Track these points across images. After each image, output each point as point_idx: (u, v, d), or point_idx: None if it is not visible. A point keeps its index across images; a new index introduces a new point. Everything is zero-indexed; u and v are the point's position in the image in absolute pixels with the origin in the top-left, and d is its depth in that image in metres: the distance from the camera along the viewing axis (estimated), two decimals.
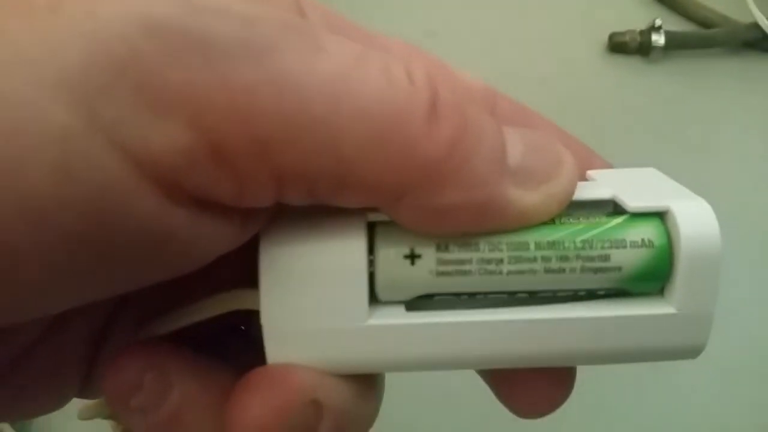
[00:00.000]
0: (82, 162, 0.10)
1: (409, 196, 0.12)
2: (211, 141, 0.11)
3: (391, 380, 0.16)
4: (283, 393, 0.13)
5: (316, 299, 0.13)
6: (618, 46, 0.45)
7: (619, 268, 0.13)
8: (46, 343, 0.16)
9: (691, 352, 0.14)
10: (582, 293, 0.14)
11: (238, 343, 0.16)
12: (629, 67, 0.46)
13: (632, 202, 0.14)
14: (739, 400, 0.38)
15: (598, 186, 0.14)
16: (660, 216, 0.14)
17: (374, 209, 0.13)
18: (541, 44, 0.46)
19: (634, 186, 0.14)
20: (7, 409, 0.15)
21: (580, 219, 0.14)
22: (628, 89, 0.45)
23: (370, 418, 0.15)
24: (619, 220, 0.14)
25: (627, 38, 0.45)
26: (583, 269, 0.13)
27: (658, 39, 0.44)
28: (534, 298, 0.14)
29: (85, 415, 0.18)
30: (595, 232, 0.13)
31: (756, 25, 0.44)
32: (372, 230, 0.13)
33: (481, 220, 0.13)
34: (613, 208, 0.14)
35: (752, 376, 0.38)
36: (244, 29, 0.11)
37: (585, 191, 0.14)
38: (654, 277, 0.13)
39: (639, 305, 0.14)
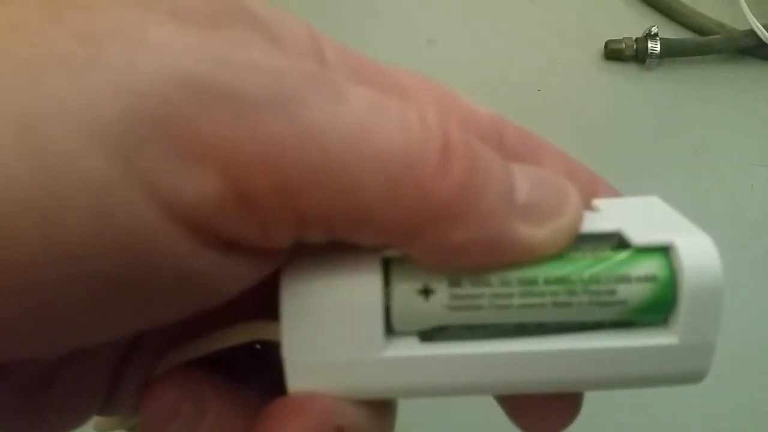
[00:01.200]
0: (119, 209, 0.10)
1: (423, 235, 0.12)
2: (240, 189, 0.11)
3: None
4: (309, 421, 0.14)
5: (334, 332, 0.14)
6: (614, 53, 0.46)
7: (625, 302, 0.14)
8: (69, 367, 0.16)
9: (694, 379, 0.15)
10: (589, 324, 0.14)
11: (255, 363, 0.17)
12: (625, 74, 0.46)
13: (637, 237, 0.14)
14: (734, 403, 0.38)
15: (603, 218, 0.15)
16: (664, 250, 0.14)
17: (389, 246, 0.13)
18: (537, 52, 0.46)
19: (639, 218, 0.15)
20: (33, 428, 0.16)
21: (587, 253, 0.14)
22: (624, 96, 0.46)
23: None
24: (624, 255, 0.14)
25: (623, 46, 0.45)
26: (590, 303, 0.14)
27: (654, 46, 0.44)
28: (542, 329, 0.14)
29: (102, 428, 0.19)
30: (601, 267, 0.14)
31: (752, 32, 0.44)
32: (387, 266, 0.14)
33: (491, 256, 0.13)
34: (618, 240, 0.15)
35: (748, 378, 0.39)
36: (271, 83, 0.11)
37: (591, 224, 0.14)
38: (658, 309, 0.14)
39: (643, 336, 0.14)
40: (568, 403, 0.16)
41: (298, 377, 0.14)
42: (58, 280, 0.10)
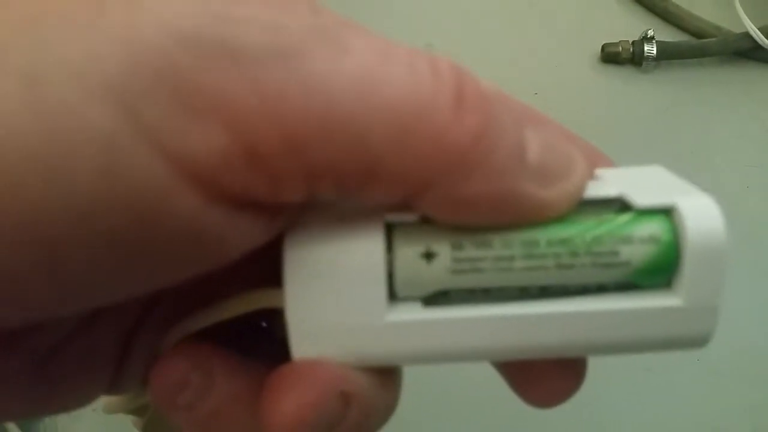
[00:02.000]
0: (126, 163, 0.10)
1: (435, 187, 0.12)
2: (245, 142, 0.11)
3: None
4: (314, 387, 0.14)
5: (337, 297, 0.14)
6: (611, 56, 0.46)
7: (628, 263, 0.14)
8: (80, 338, 0.16)
9: (699, 342, 0.14)
10: (592, 287, 0.14)
11: (260, 340, 0.17)
12: (622, 77, 0.46)
13: (639, 199, 0.14)
14: (733, 402, 0.38)
15: (606, 184, 0.15)
16: (667, 212, 0.14)
17: (398, 209, 0.13)
18: (534, 55, 0.47)
19: (641, 184, 0.15)
20: (41, 403, 0.16)
21: (590, 216, 0.14)
22: (621, 99, 0.46)
23: (392, 406, 0.16)
24: (627, 217, 0.14)
25: (620, 49, 0.45)
26: (592, 264, 0.14)
27: (651, 49, 0.45)
28: (546, 292, 0.14)
29: (110, 409, 0.19)
30: (604, 228, 0.14)
31: (747, 35, 0.44)
32: (390, 231, 0.14)
33: (499, 213, 0.13)
34: (621, 205, 0.14)
35: (745, 378, 0.39)
36: (272, 36, 0.11)
37: (594, 190, 0.14)
38: (661, 271, 0.14)
39: (647, 298, 0.14)
40: (570, 370, 0.16)
41: (303, 343, 0.14)
42: (66, 235, 0.10)
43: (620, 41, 0.46)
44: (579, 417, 0.37)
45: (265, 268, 0.15)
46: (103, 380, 0.17)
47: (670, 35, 0.46)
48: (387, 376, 0.15)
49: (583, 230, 0.14)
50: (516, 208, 0.13)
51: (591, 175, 0.15)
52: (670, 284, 0.14)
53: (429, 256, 0.14)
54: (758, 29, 0.44)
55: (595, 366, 0.38)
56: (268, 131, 0.11)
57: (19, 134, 0.10)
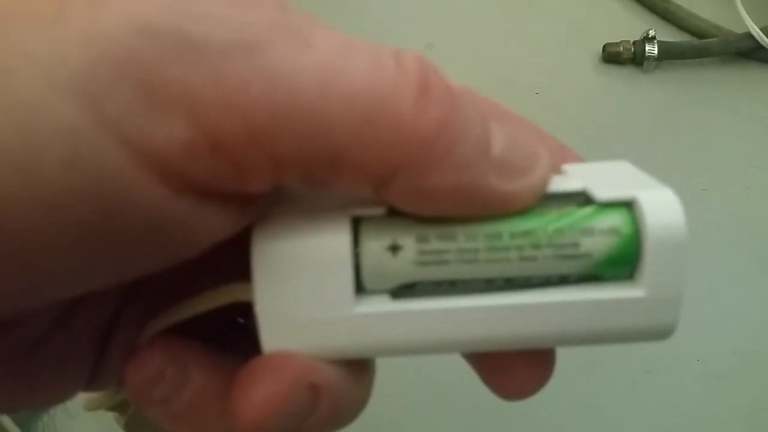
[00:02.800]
0: (91, 156, 0.11)
1: (399, 177, 0.13)
2: (209, 133, 0.11)
3: (386, 380, 0.16)
4: (282, 379, 0.14)
5: (305, 290, 0.14)
6: (612, 56, 0.46)
7: (589, 255, 0.14)
8: (59, 333, 0.16)
9: (662, 333, 0.15)
10: (555, 279, 0.15)
11: (238, 337, 0.17)
12: (623, 77, 0.46)
13: (601, 192, 0.14)
14: (733, 404, 0.38)
15: (570, 179, 0.15)
16: (627, 205, 0.14)
17: (366, 201, 0.14)
18: (535, 55, 0.47)
19: (605, 178, 0.15)
20: (20, 399, 0.16)
21: (552, 210, 0.14)
22: (622, 99, 0.46)
23: (363, 400, 0.16)
24: (588, 210, 0.14)
25: (621, 49, 0.45)
26: (555, 256, 0.14)
27: (652, 49, 0.45)
28: (510, 285, 0.15)
29: (91, 406, 0.19)
30: (565, 221, 0.14)
31: (748, 35, 0.44)
32: (357, 225, 0.14)
33: (464, 205, 0.14)
34: (584, 199, 0.15)
35: (744, 381, 0.39)
36: (234, 30, 0.11)
37: (558, 184, 0.15)
38: (622, 262, 0.14)
39: (609, 289, 0.14)
40: (538, 362, 0.16)
41: (272, 336, 0.14)
42: (33, 226, 0.11)
43: (621, 41, 0.46)
44: (575, 419, 0.37)
45: (242, 262, 0.15)
46: (83, 375, 0.17)
47: (671, 35, 0.46)
48: (358, 369, 0.15)
49: (545, 223, 0.14)
50: (480, 201, 0.13)
51: (556, 170, 0.15)
52: (633, 276, 0.14)
53: (395, 248, 0.14)
54: (760, 29, 0.44)
55: (594, 367, 0.38)
56: (231, 122, 0.11)
57: None
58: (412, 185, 0.13)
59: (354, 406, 0.16)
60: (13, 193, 0.10)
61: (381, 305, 0.14)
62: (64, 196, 0.11)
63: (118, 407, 0.19)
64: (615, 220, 0.14)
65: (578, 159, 0.17)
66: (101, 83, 0.10)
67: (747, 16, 0.44)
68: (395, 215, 0.14)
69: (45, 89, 0.10)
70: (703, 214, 0.41)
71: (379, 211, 0.14)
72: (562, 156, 0.17)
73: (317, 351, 0.14)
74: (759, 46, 0.44)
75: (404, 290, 0.15)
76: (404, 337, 0.14)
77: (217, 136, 0.11)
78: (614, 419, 0.38)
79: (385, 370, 0.17)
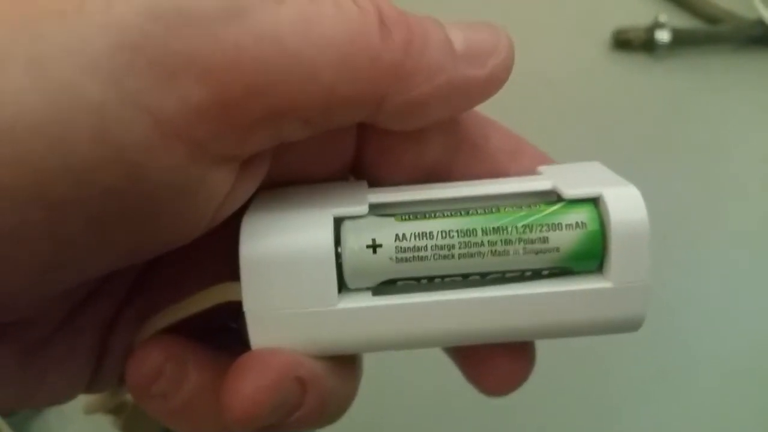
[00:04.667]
0: (116, 126, 0.12)
1: (387, 100, 0.14)
2: (217, 95, 0.13)
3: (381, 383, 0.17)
4: (270, 372, 0.15)
5: (291, 288, 0.15)
6: (623, 42, 0.45)
7: (558, 249, 0.15)
8: (62, 335, 0.17)
9: (632, 324, 0.16)
10: (528, 273, 0.16)
11: (231, 340, 0.18)
12: (634, 63, 0.46)
13: (568, 190, 0.16)
14: (744, 403, 0.38)
15: (542, 179, 0.16)
16: (593, 201, 0.15)
17: (346, 202, 0.15)
18: (545, 41, 0.46)
19: (575, 177, 0.16)
20: (24, 399, 0.17)
21: (522, 207, 0.16)
22: (633, 86, 0.45)
23: (350, 395, 0.17)
24: (556, 206, 0.16)
25: (631, 35, 0.45)
26: (525, 251, 0.15)
27: (663, 35, 0.44)
28: (485, 280, 0.16)
29: (90, 409, 0.19)
30: (534, 217, 0.15)
31: (761, 22, 0.44)
32: (339, 224, 0.15)
33: (449, 103, 0.15)
34: (556, 197, 0.16)
35: (756, 379, 0.38)
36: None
37: (530, 184, 0.16)
38: (590, 255, 0.15)
39: (579, 281, 0.15)
40: (518, 356, 0.17)
41: (260, 333, 0.15)
42: (65, 195, 0.12)
43: (632, 27, 0.45)
44: (587, 418, 0.37)
45: (234, 263, 0.15)
46: (84, 376, 0.18)
47: (682, 21, 0.46)
48: (344, 365, 0.16)
49: (515, 219, 0.15)
50: (462, 94, 0.15)
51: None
52: (601, 269, 0.15)
53: (374, 246, 0.15)
54: None
55: (608, 368, 0.37)
56: (233, 81, 0.13)
57: (28, 111, 0.12)
58: (399, 103, 0.14)
59: (341, 401, 0.17)
60: (47, 165, 0.12)
61: (363, 301, 0.15)
62: (92, 164, 0.12)
63: (116, 410, 0.20)
64: (581, 215, 0.15)
65: (540, 153, 0.19)
66: (120, 63, 0.12)
67: (760, 2, 0.43)
68: (375, 215, 0.16)
69: (75, 73, 0.12)
70: (714, 204, 0.41)
71: (360, 210, 0.15)
72: (540, 161, 0.18)
73: (303, 347, 0.15)
74: None
75: (385, 287, 0.16)
76: (385, 331, 0.15)
77: (225, 97, 0.13)
78: (625, 418, 0.38)
79: (377, 372, 0.18)
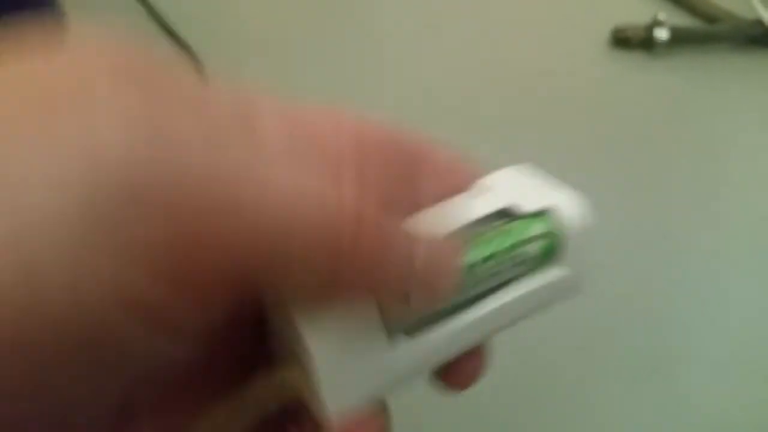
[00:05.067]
0: (85, 308, 0.13)
1: (346, 288, 0.16)
2: (182, 272, 0.14)
3: None
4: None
5: (353, 355, 0.17)
6: (621, 41, 0.45)
7: (533, 257, 0.18)
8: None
9: (576, 292, 0.19)
10: (507, 281, 0.19)
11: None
12: (632, 62, 0.46)
13: (528, 205, 0.19)
14: (738, 398, 0.38)
15: (497, 197, 0.19)
16: (549, 211, 0.19)
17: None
18: (544, 39, 0.46)
19: (522, 189, 0.20)
20: None
21: (497, 230, 0.18)
22: (631, 84, 0.45)
23: None
24: (523, 223, 0.19)
25: (630, 33, 0.45)
26: (512, 265, 0.18)
27: (662, 34, 0.44)
28: (480, 295, 0.18)
29: None
30: (512, 237, 0.18)
31: (760, 22, 0.44)
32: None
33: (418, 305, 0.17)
34: (518, 214, 0.19)
35: (751, 374, 0.39)
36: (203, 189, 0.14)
37: (490, 205, 0.19)
38: (552, 254, 0.19)
39: (546, 276, 0.19)
40: (479, 355, 0.19)
41: (334, 398, 0.17)
42: (43, 339, 0.13)
43: (631, 26, 0.45)
44: (581, 416, 0.37)
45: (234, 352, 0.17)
46: None
47: (681, 20, 0.46)
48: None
49: (498, 244, 0.18)
50: (420, 305, 0.17)
51: (481, 186, 0.19)
52: (559, 261, 0.19)
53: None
54: None
55: (599, 366, 0.38)
56: (201, 260, 0.13)
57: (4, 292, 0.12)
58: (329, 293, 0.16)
59: None
60: (27, 318, 0.12)
61: (402, 342, 0.18)
62: (65, 316, 0.13)
63: None
64: (544, 225, 0.19)
65: (475, 169, 0.20)
66: (88, 249, 0.13)
67: (758, 2, 0.44)
68: None
69: (48, 253, 0.13)
70: (713, 201, 0.41)
71: None
72: (475, 177, 0.20)
73: (370, 397, 0.18)
74: None
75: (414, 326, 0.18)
76: (422, 361, 0.18)
77: (189, 276, 0.14)
78: (619, 415, 0.38)
79: None
